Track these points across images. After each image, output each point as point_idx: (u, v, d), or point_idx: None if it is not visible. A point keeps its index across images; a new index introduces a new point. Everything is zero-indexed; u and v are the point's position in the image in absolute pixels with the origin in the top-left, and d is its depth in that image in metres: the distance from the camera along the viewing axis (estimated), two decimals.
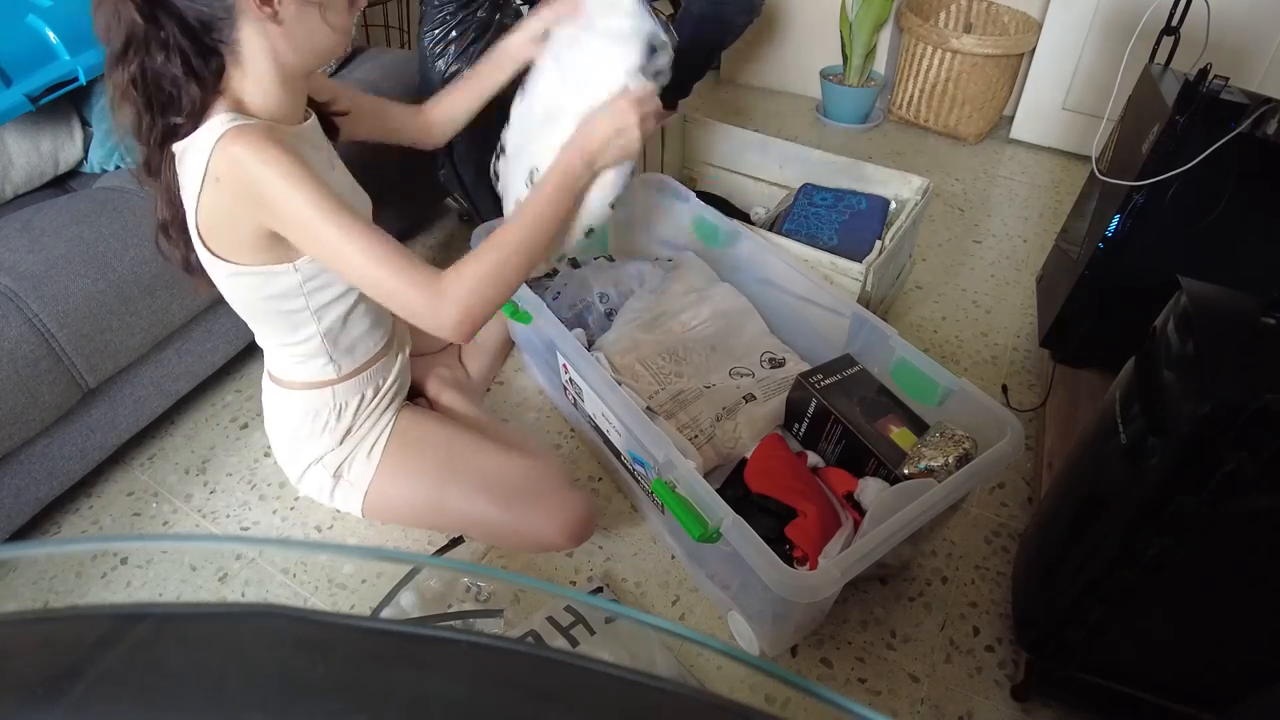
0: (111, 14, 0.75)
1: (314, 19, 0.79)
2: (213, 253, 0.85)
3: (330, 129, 0.99)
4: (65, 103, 1.28)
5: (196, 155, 0.79)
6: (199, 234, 0.84)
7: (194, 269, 0.91)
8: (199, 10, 0.75)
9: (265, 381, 1.06)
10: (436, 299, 0.81)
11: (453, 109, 1.14)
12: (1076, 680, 0.90)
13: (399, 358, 1.11)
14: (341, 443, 1.04)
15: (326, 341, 0.97)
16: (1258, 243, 1.07)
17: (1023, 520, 1.20)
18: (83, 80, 1.21)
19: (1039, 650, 0.92)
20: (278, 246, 0.85)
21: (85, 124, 1.32)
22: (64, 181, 1.33)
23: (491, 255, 0.84)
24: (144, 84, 0.77)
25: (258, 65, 0.80)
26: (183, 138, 0.81)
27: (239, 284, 0.88)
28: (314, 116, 0.93)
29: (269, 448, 1.28)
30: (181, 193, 0.84)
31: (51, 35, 1.18)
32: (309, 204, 0.77)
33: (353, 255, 0.79)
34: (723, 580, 1.03)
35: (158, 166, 0.84)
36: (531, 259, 0.88)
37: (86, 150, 1.32)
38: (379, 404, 1.07)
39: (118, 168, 1.27)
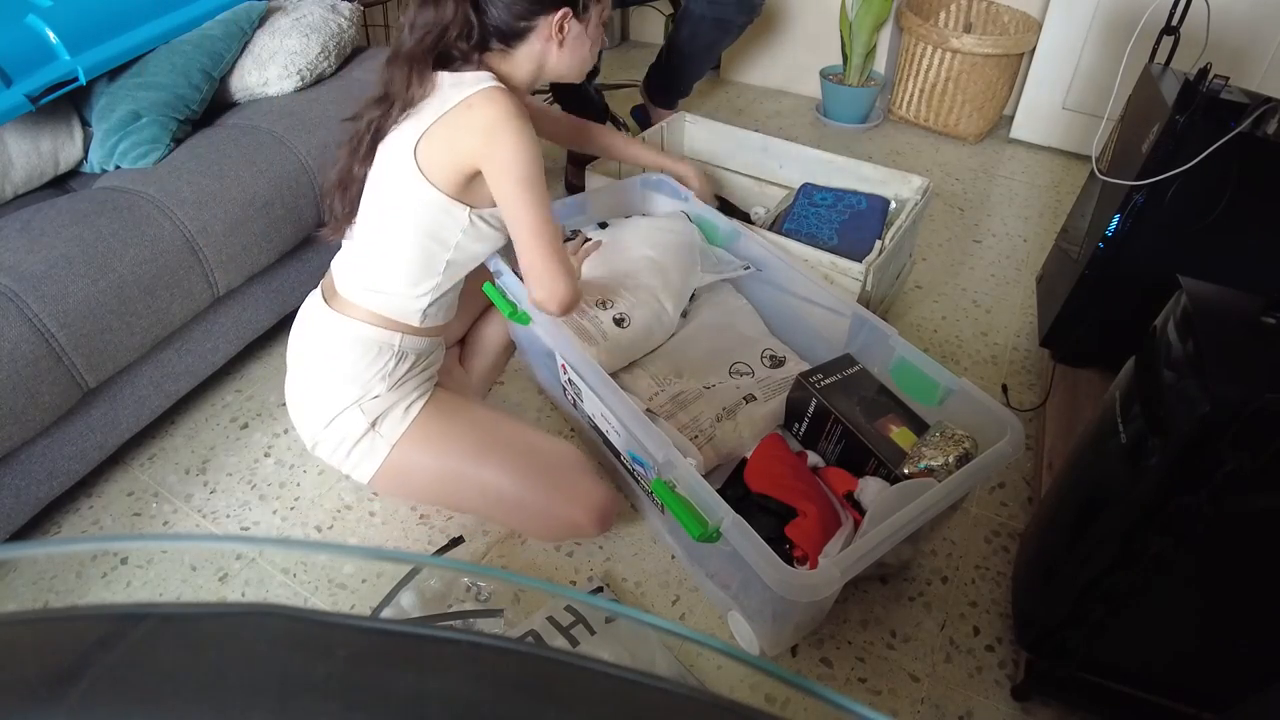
0: None
1: (581, 51, 1.03)
2: (419, 167, 0.96)
3: None
4: (65, 103, 1.28)
5: (459, 88, 0.95)
6: (415, 148, 0.96)
7: (338, 217, 1.04)
8: (506, 21, 0.97)
9: (324, 311, 1.04)
10: (560, 286, 1.01)
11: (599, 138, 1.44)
12: (1077, 680, 0.90)
13: (442, 344, 1.15)
14: (391, 390, 1.03)
15: (438, 286, 1.04)
16: (1258, 242, 1.07)
17: (1023, 520, 1.20)
18: (83, 80, 1.21)
19: (1039, 650, 0.93)
20: (466, 188, 0.99)
21: (85, 124, 1.32)
22: (64, 181, 1.33)
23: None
24: (434, 25, 0.95)
25: (520, 70, 1.02)
26: (448, 67, 0.98)
27: (422, 198, 0.98)
28: None
29: (270, 447, 1.29)
30: (421, 108, 0.97)
31: (51, 35, 1.18)
32: (524, 171, 0.95)
33: (528, 221, 0.97)
34: (723, 580, 1.03)
35: (420, 79, 0.97)
36: None
37: (86, 150, 1.32)
38: (427, 370, 1.09)
39: (118, 167, 1.27)
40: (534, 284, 1.01)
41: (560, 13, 0.97)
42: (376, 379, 1.02)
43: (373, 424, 1.03)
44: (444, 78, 0.97)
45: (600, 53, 1.90)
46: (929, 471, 0.99)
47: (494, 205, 1.01)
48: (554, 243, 1.00)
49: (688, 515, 0.90)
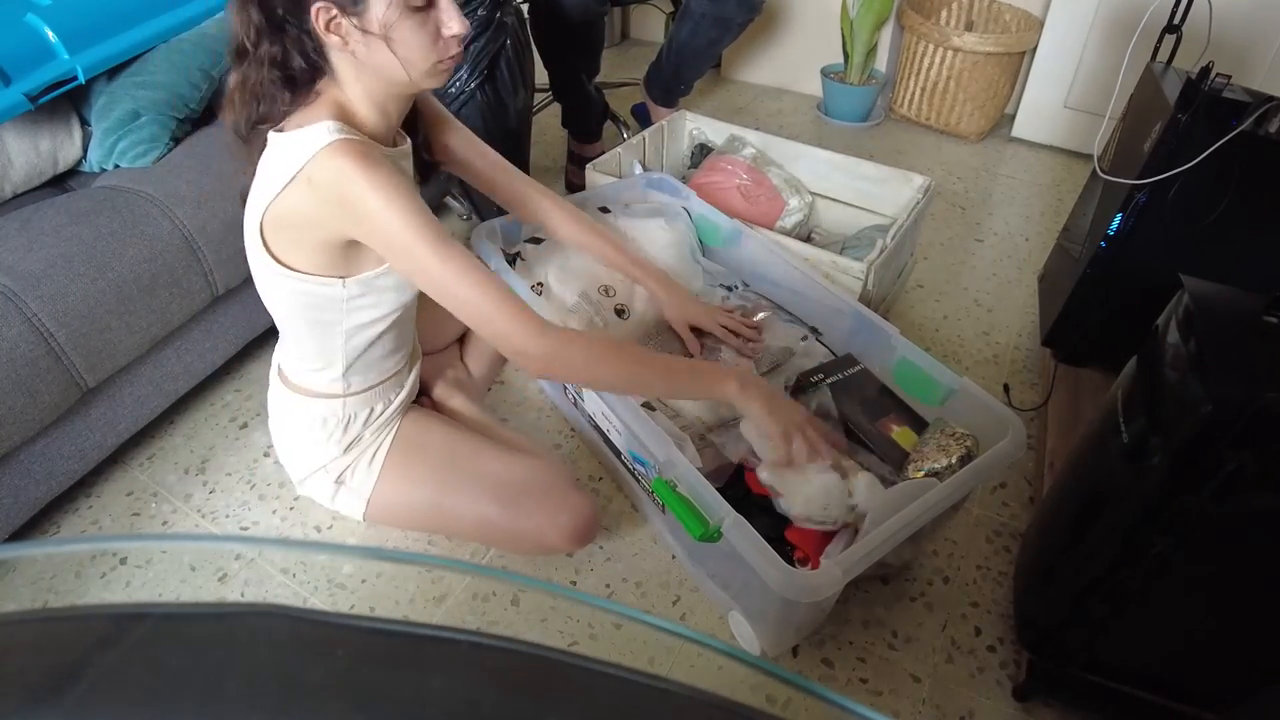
0: (236, 23, 0.80)
1: (383, 51, 0.80)
2: (269, 249, 0.87)
3: (424, 167, 1.02)
4: (64, 102, 1.27)
5: (294, 153, 0.81)
6: (260, 228, 0.86)
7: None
8: (299, 37, 0.80)
9: (274, 381, 1.06)
10: (529, 340, 0.85)
11: (558, 229, 1.19)
12: (1078, 680, 0.90)
13: (412, 373, 1.11)
14: (346, 452, 1.04)
15: (345, 359, 0.97)
16: (1260, 241, 1.07)
17: (1024, 520, 1.20)
18: (82, 79, 1.21)
19: (1040, 650, 0.92)
20: (339, 259, 0.88)
21: (84, 123, 1.32)
22: (63, 181, 1.33)
23: (608, 354, 0.91)
24: (246, 90, 0.82)
25: (350, 87, 0.84)
26: (278, 125, 0.84)
27: (284, 285, 0.89)
28: (409, 144, 0.95)
29: (269, 447, 1.28)
30: (259, 180, 0.86)
31: (51, 34, 1.17)
32: (409, 227, 0.80)
33: (452, 282, 0.83)
34: (723, 580, 1.03)
35: (254, 155, 0.87)
36: (627, 389, 0.99)
37: (85, 149, 1.32)
38: (388, 415, 1.07)
39: (116, 166, 1.27)
40: (503, 346, 0.87)
41: (315, 7, 0.76)
42: (329, 445, 1.04)
43: (341, 481, 1.06)
44: (273, 140, 0.83)
45: (600, 51, 1.91)
46: (933, 474, 0.98)
47: (376, 266, 0.90)
48: (495, 292, 0.84)
49: (689, 515, 0.90)
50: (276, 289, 0.91)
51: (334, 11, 0.76)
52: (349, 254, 0.88)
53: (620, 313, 1.25)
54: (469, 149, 1.10)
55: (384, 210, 0.79)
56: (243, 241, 0.89)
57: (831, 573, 0.82)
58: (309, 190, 0.81)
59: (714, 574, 1.05)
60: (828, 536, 0.96)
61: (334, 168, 0.79)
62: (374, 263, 0.90)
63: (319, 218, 0.83)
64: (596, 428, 1.20)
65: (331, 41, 0.79)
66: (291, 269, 0.87)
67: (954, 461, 0.97)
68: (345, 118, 0.83)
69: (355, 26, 0.77)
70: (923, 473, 0.99)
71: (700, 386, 0.96)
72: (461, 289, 0.84)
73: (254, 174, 0.87)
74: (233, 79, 0.83)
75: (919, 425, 1.08)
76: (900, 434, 1.07)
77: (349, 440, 1.04)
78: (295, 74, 0.81)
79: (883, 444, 1.05)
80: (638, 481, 1.13)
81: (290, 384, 1.03)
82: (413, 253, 0.81)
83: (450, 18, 0.81)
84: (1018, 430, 0.96)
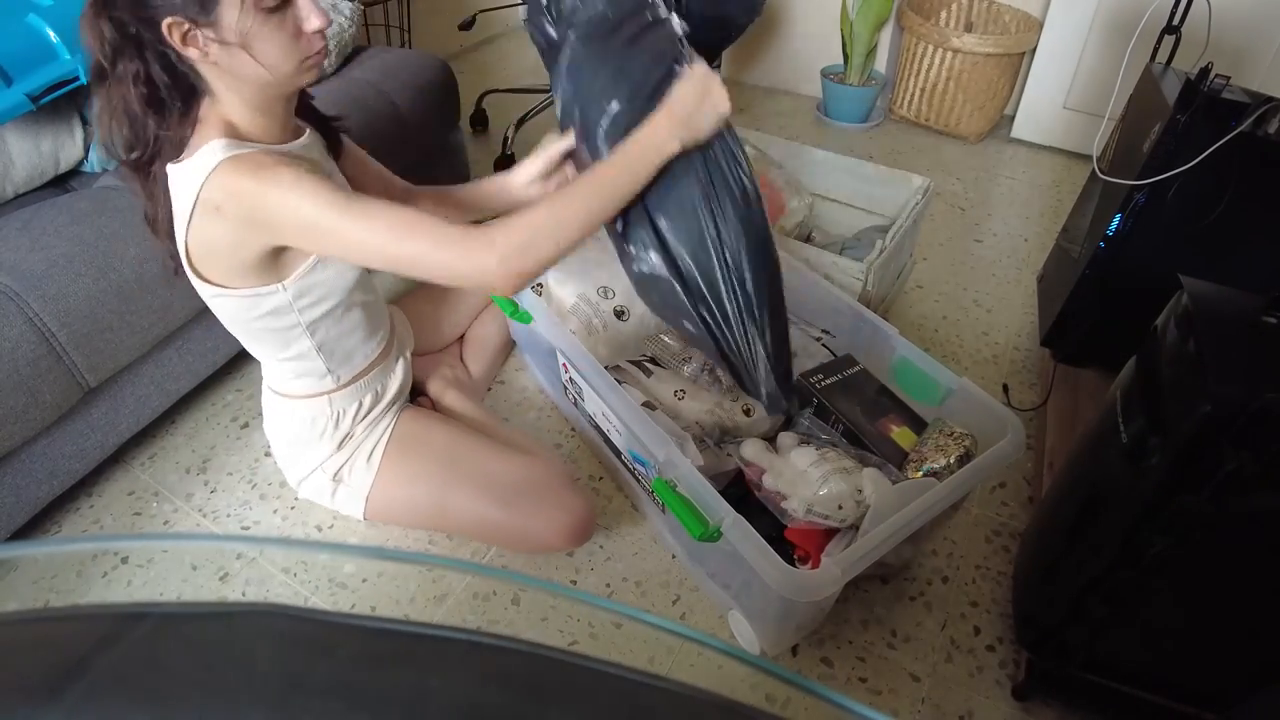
0: (90, 40, 0.76)
1: (243, 58, 0.76)
2: (201, 276, 0.86)
3: (332, 147, 0.99)
4: (66, 102, 1.27)
5: (189, 182, 0.79)
6: (187, 257, 0.84)
7: (180, 273, 0.90)
8: (162, 53, 0.77)
9: (264, 388, 1.08)
10: (482, 254, 0.78)
11: (438, 209, 1.11)
12: (1077, 679, 0.90)
13: (400, 362, 1.11)
14: (340, 448, 1.05)
15: (322, 354, 0.97)
16: (1259, 242, 1.07)
17: (1023, 520, 1.20)
18: (83, 79, 1.21)
19: (1040, 650, 0.92)
20: (271, 268, 0.86)
21: (86, 123, 1.32)
22: (64, 181, 1.33)
23: (549, 211, 0.81)
24: (113, 112, 0.79)
25: (228, 99, 0.81)
26: (160, 158, 0.81)
27: (228, 305, 0.89)
28: (308, 132, 0.92)
29: (269, 447, 1.29)
30: (175, 212, 0.83)
31: (52, 34, 1.17)
32: (321, 207, 0.76)
33: (383, 241, 0.78)
34: (723, 580, 1.03)
35: (146, 187, 0.85)
36: (592, 223, 0.83)
37: (87, 149, 1.32)
38: (380, 410, 1.07)
39: (118, 167, 1.27)
40: (466, 276, 0.81)
41: (166, 22, 0.72)
42: (323, 443, 1.04)
43: (339, 479, 1.07)
44: (171, 173, 0.82)
45: None
46: (932, 474, 0.99)
47: (305, 261, 0.88)
48: (424, 222, 0.78)
49: (689, 514, 0.90)
50: (224, 309, 0.90)
51: (186, 25, 0.73)
52: (278, 260, 0.86)
53: (620, 314, 1.25)
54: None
55: (286, 203, 0.76)
56: None
57: (830, 572, 0.82)
58: (218, 217, 0.79)
59: (714, 573, 1.05)
60: (828, 535, 0.96)
61: (230, 188, 0.77)
62: (302, 259, 0.87)
63: (236, 239, 0.81)
64: (596, 428, 1.20)
65: (192, 55, 0.75)
66: (230, 288, 0.86)
67: (953, 461, 0.98)
68: (234, 132, 0.81)
69: (211, 39, 0.74)
70: (922, 473, 0.99)
71: (646, 167, 0.84)
72: (394, 246, 0.78)
73: (160, 204, 0.85)
74: (97, 102, 0.80)
75: (918, 425, 1.08)
76: (899, 434, 1.07)
77: (340, 436, 1.04)
78: (163, 94, 0.77)
79: (882, 444, 1.06)
80: (638, 481, 1.13)
81: (279, 391, 1.04)
82: (334, 230, 0.77)
83: (308, 13, 0.78)
84: (1016, 430, 0.96)
